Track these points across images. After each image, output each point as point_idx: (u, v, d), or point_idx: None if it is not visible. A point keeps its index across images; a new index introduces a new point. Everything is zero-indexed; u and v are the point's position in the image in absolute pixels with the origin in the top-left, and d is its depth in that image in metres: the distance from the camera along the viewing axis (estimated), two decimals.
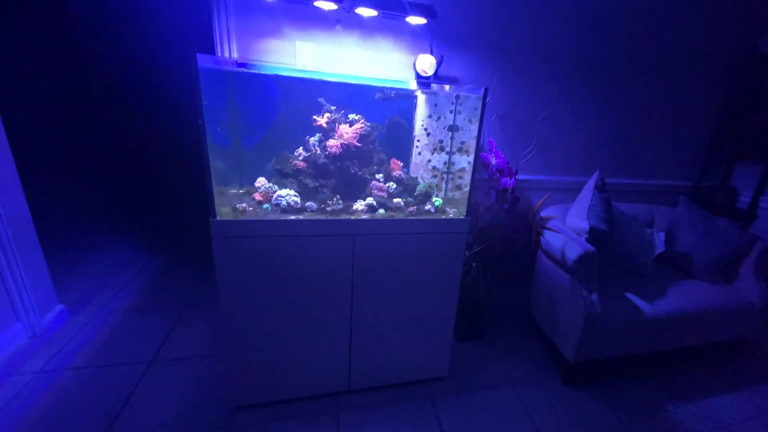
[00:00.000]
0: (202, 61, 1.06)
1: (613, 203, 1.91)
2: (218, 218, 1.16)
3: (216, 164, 1.20)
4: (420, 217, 1.36)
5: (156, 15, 3.41)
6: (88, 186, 3.73)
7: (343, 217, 1.28)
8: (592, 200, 1.66)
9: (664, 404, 1.61)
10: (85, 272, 2.34)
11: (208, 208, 1.15)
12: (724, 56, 2.17)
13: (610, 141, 2.15)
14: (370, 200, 1.37)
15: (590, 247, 1.50)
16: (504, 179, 1.71)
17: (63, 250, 2.56)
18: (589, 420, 1.49)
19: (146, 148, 3.94)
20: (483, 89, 1.30)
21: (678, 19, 1.99)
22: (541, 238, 1.71)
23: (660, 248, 1.74)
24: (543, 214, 1.89)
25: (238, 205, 1.25)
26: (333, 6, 1.44)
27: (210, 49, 1.53)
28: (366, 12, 1.46)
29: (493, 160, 1.71)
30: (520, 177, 2.00)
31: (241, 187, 1.44)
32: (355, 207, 1.35)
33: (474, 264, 1.73)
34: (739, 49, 2.18)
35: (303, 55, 1.60)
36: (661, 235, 1.77)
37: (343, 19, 1.57)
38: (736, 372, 1.85)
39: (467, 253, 1.74)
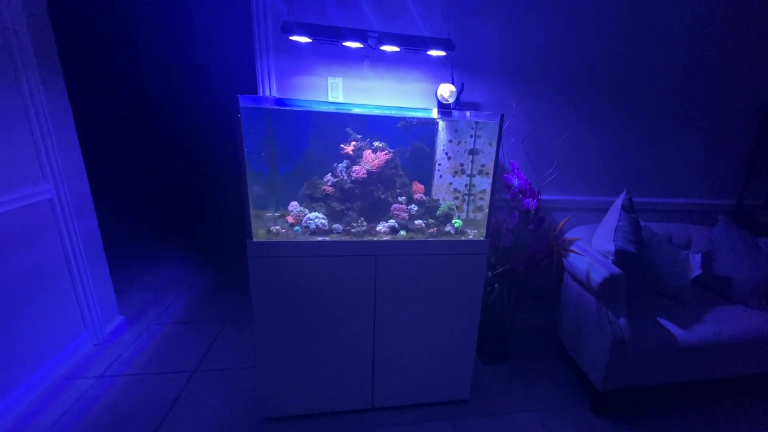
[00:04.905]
0: (244, 101, 1.22)
1: (645, 224, 1.86)
2: (254, 239, 1.29)
3: (254, 190, 1.35)
4: (440, 239, 1.42)
5: (210, 57, 3.82)
6: (146, 209, 4.14)
7: (366, 238, 1.37)
8: (619, 221, 1.64)
9: None
10: (142, 287, 2.59)
11: (246, 230, 1.28)
12: (760, 66, 2.07)
13: (639, 160, 2.10)
14: (392, 222, 1.45)
15: (616, 270, 1.48)
16: (526, 200, 1.73)
17: (124, 267, 2.85)
18: None
19: (199, 176, 4.33)
20: (499, 116, 1.36)
21: (710, 29, 1.95)
22: (565, 260, 1.69)
23: (696, 271, 1.66)
24: (569, 235, 1.87)
25: (272, 228, 1.38)
26: (359, 45, 1.58)
27: (254, 86, 1.72)
28: (389, 48, 1.59)
29: (515, 182, 1.75)
30: (544, 197, 2.00)
31: (277, 210, 1.59)
32: (378, 228, 1.43)
33: (496, 285, 1.75)
34: None
35: (333, 89, 1.75)
36: (698, 257, 1.69)
37: (369, 55, 1.71)
38: None
39: (489, 273, 1.76)
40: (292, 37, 1.50)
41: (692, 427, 1.57)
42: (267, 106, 1.49)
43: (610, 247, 1.57)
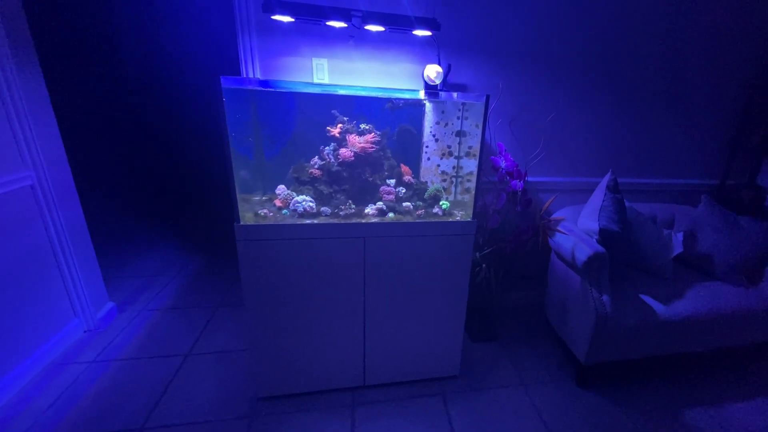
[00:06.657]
0: (226, 82, 1.19)
1: (630, 204, 1.89)
2: (242, 223, 1.28)
3: (241, 174, 1.34)
4: (428, 220, 1.43)
5: (193, 42, 3.72)
6: (134, 196, 4.08)
7: (355, 221, 1.38)
8: (603, 201, 1.66)
9: (682, 408, 1.58)
10: (132, 273, 2.58)
11: (233, 214, 1.28)
12: (744, 47, 2.08)
13: (625, 140, 2.12)
14: (380, 204, 1.46)
15: (600, 249, 1.51)
16: (514, 182, 1.74)
17: (113, 254, 2.83)
18: (602, 422, 1.50)
19: (187, 163, 4.26)
20: (485, 97, 1.36)
21: (694, 10, 1.94)
22: (551, 240, 1.72)
23: (678, 249, 1.70)
24: (555, 215, 1.90)
25: (260, 211, 1.38)
26: (343, 24, 1.54)
27: (237, 67, 1.68)
28: (374, 28, 1.56)
29: (503, 163, 1.75)
30: (531, 179, 2.01)
31: (264, 194, 1.58)
32: (366, 211, 1.44)
33: (484, 265, 1.77)
34: (763, 38, 2.09)
35: (319, 70, 1.72)
36: (680, 236, 1.73)
37: (354, 35, 1.68)
38: (760, 377, 1.78)
39: (477, 254, 1.79)
40: (274, 17, 1.46)
41: (670, 396, 1.64)
42: (250, 87, 1.46)
43: (595, 226, 1.60)
